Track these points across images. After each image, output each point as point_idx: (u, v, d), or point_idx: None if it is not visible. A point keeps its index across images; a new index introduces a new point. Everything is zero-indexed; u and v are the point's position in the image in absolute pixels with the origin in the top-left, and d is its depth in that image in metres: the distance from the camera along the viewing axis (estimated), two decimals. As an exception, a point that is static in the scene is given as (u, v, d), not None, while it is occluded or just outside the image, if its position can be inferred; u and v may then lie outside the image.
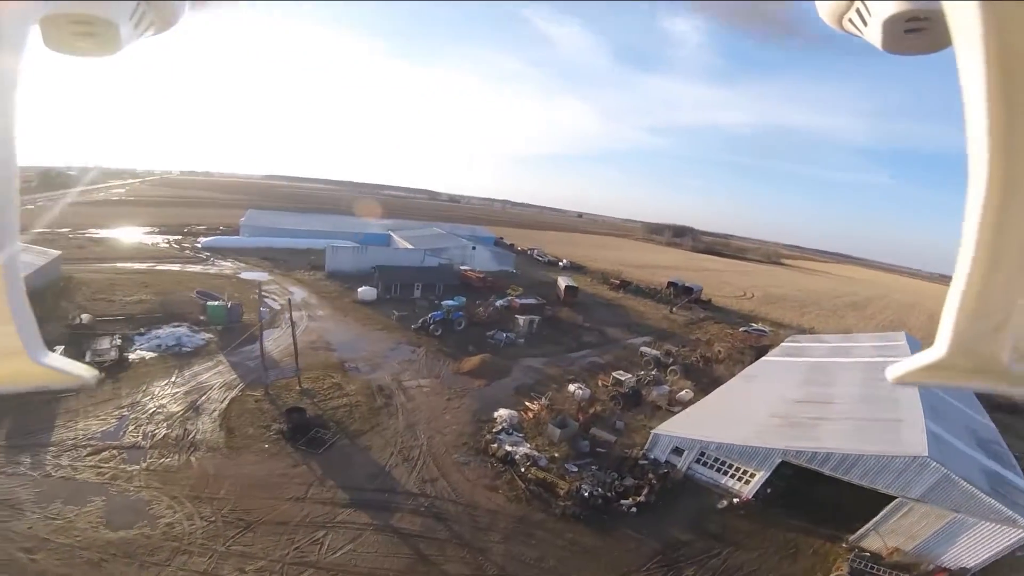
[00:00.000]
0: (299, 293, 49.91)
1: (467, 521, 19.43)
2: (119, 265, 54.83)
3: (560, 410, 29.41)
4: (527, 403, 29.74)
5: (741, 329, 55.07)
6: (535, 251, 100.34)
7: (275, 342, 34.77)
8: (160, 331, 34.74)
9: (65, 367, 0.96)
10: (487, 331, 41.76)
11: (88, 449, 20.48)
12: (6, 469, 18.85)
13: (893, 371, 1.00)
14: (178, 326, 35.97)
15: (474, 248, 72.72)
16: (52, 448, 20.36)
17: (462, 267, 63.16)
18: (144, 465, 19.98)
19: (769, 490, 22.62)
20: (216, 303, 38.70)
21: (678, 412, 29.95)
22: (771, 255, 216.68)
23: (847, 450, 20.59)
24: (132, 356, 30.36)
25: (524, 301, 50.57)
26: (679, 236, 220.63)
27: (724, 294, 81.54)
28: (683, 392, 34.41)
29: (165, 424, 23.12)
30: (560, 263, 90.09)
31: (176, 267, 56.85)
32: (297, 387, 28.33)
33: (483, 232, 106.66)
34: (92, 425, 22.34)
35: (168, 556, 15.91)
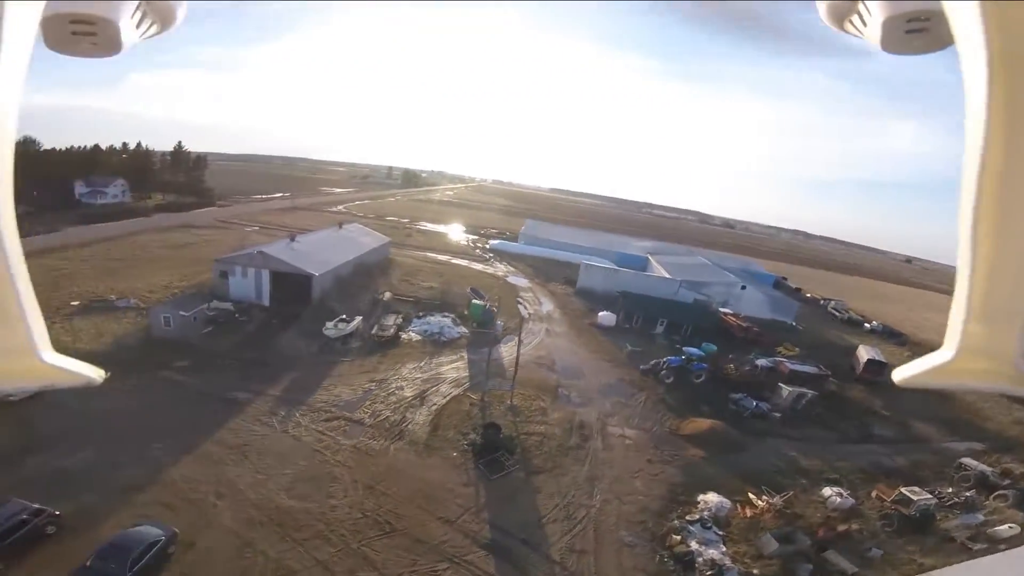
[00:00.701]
0: (547, 305, 52.90)
1: (593, 619, 16.49)
2: (428, 255, 68.95)
3: (796, 516, 23.03)
4: (751, 495, 23.91)
5: None
6: (832, 303, 79.59)
7: (510, 349, 36.95)
8: (432, 318, 41.56)
9: (71, 367, 0.98)
10: (733, 392, 35.21)
11: (326, 415, 25.51)
12: (263, 417, 24.62)
13: (899, 373, 1.00)
14: (446, 316, 42.36)
15: (743, 288, 62.91)
16: (303, 407, 25.92)
17: (722, 309, 55.72)
18: (354, 442, 23.61)
19: None
20: (478, 302, 43.94)
21: (979, 553, 21.38)
22: None
23: None
24: (404, 336, 37.11)
25: (797, 367, 40.81)
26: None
27: None
28: (1004, 527, 24.66)
29: (392, 406, 27.19)
30: (867, 324, 69.06)
31: (464, 263, 67.99)
32: (508, 401, 29.60)
33: (759, 268, 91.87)
34: (344, 394, 27.89)
35: (308, 537, 17.77)
